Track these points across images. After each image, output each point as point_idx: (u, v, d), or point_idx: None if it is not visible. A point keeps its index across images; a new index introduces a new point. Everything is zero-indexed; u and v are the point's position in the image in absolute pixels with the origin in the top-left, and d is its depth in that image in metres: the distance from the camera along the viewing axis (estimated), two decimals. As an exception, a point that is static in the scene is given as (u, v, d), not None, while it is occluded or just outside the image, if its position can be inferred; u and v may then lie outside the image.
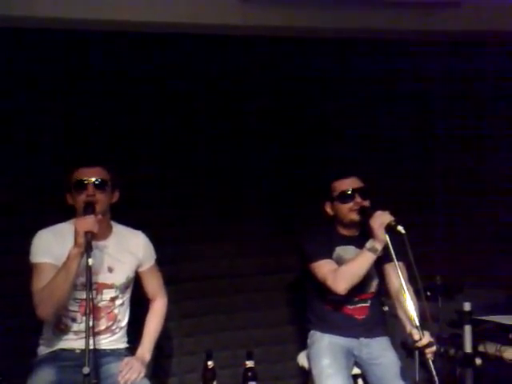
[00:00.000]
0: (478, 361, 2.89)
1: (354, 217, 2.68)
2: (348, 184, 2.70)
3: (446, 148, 3.58)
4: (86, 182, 2.38)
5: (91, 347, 2.06)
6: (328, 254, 2.69)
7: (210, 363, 2.63)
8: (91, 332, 2.08)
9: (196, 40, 3.08)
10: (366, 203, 2.68)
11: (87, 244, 2.19)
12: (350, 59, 3.38)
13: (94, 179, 2.39)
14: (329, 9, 2.91)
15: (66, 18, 2.63)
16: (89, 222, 2.23)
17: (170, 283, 2.85)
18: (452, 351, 2.96)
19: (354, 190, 2.69)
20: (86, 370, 2.00)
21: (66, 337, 2.41)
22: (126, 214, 2.59)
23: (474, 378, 2.93)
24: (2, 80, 2.85)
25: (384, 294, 2.80)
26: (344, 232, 2.77)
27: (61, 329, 2.42)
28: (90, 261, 2.16)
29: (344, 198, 2.69)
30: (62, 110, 2.96)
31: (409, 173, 3.52)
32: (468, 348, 2.90)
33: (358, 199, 2.67)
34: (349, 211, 2.69)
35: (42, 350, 2.45)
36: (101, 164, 2.45)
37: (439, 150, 3.59)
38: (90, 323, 2.09)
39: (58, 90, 2.95)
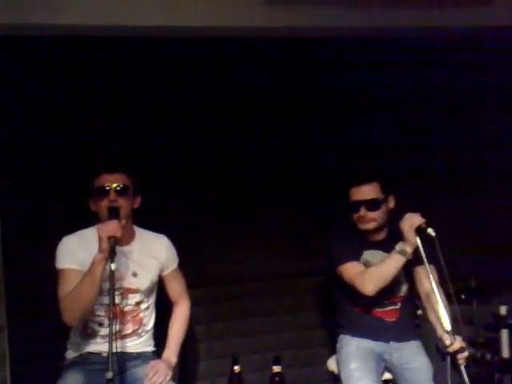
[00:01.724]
0: (517, 366, 2.79)
1: (362, 227, 2.63)
2: (359, 193, 2.62)
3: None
4: (107, 187, 2.39)
5: (117, 350, 2.07)
6: (355, 256, 2.64)
7: (236, 368, 2.60)
8: (117, 336, 2.09)
9: (219, 43, 3.07)
10: (373, 215, 2.60)
11: (111, 249, 2.20)
12: (374, 57, 3.29)
13: (115, 185, 2.40)
14: (353, 8, 2.84)
15: (84, 25, 2.65)
16: (112, 227, 2.24)
17: (199, 286, 2.85)
18: (488, 356, 2.86)
19: (360, 202, 2.61)
20: (109, 374, 2.01)
21: (93, 341, 2.43)
22: (152, 218, 2.59)
23: (513, 383, 2.83)
24: (25, 87, 2.88)
25: (417, 298, 2.72)
26: (371, 236, 2.70)
27: (88, 334, 2.44)
28: (113, 266, 2.17)
29: (351, 207, 2.64)
30: (84, 118, 2.97)
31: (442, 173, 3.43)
32: (505, 353, 2.81)
33: (363, 212, 2.60)
34: (357, 221, 2.64)
35: (70, 354, 2.48)
36: (122, 170, 2.46)
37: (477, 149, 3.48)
38: (115, 328, 2.09)
39: (80, 96, 2.97)
